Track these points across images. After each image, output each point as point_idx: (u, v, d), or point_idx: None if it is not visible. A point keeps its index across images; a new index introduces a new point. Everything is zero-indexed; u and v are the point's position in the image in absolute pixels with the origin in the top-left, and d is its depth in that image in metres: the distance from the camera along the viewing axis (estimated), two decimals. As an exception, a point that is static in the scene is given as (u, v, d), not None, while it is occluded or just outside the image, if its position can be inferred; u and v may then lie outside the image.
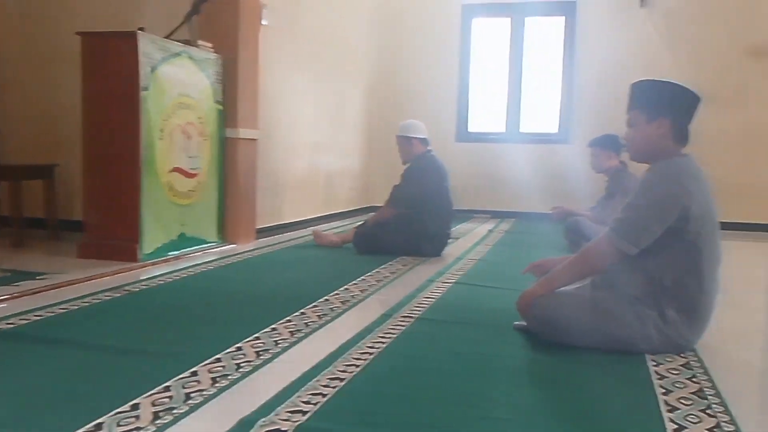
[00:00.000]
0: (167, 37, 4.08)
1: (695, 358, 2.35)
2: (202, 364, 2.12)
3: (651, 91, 2.44)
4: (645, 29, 6.92)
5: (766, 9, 6.67)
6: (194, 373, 2.03)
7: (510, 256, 4.62)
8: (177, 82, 4.10)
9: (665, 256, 2.34)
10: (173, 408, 1.76)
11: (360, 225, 4.68)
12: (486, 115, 7.66)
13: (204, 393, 1.88)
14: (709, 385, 2.08)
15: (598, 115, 6.68)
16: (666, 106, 2.39)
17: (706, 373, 2.20)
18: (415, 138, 4.55)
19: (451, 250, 4.68)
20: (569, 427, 1.77)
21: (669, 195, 2.30)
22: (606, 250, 2.39)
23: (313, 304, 3.00)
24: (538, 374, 2.24)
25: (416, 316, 2.84)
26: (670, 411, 1.86)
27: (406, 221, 4.43)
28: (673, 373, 2.19)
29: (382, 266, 4.01)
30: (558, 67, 7.35)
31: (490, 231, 6.05)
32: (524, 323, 2.59)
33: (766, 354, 2.60)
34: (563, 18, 7.29)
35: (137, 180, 3.80)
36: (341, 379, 2.02)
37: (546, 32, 7.43)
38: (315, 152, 6.30)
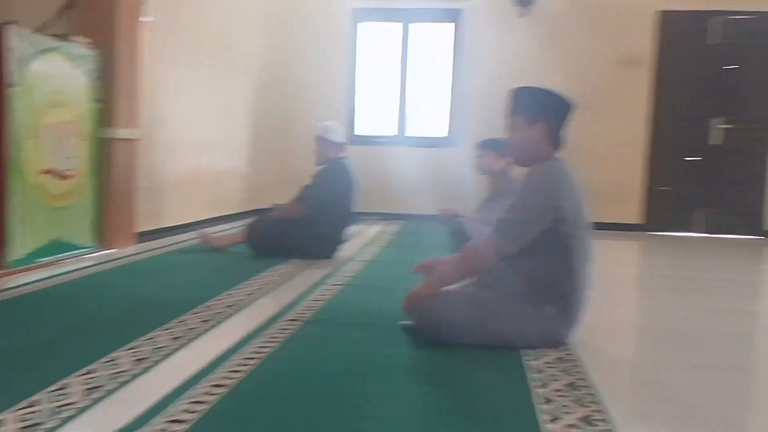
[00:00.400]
0: (39, 31, 3.83)
1: (569, 352, 2.47)
2: (73, 375, 2.00)
3: (530, 98, 2.56)
4: (527, 38, 7.23)
5: (636, 23, 7.13)
6: (64, 386, 1.91)
7: (399, 257, 4.68)
8: (50, 79, 3.86)
9: (541, 256, 2.45)
10: (40, 424, 1.65)
11: (255, 221, 4.59)
12: (376, 118, 7.73)
13: (75, 406, 1.77)
14: (582, 377, 2.20)
15: (485, 119, 6.89)
16: (544, 112, 2.51)
17: (578, 366, 2.32)
18: (333, 142, 4.54)
19: (342, 252, 4.69)
20: (449, 421, 1.81)
21: (545, 197, 2.42)
22: (489, 250, 2.47)
23: (197, 309, 2.91)
24: (422, 372, 2.28)
25: (305, 318, 2.82)
26: (544, 403, 1.94)
27: (307, 222, 4.40)
28: (548, 367, 2.29)
29: (271, 269, 3.96)
30: (448, 73, 7.53)
31: (380, 233, 6.11)
32: (411, 322, 2.63)
33: (634, 346, 2.77)
34: (453, 24, 7.49)
35: (4, 182, 3.54)
36: (224, 386, 1.97)
37: (436, 38, 7.60)
38: (201, 152, 6.12)
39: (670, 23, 7.02)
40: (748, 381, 2.42)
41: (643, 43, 7.10)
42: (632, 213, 7.18)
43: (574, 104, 2.54)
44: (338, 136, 4.58)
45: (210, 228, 5.72)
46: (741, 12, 6.95)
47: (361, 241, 5.43)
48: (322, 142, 4.55)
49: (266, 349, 2.35)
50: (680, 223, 7.07)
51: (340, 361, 2.28)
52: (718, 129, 6.98)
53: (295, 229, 4.40)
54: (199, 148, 6.06)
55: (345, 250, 4.75)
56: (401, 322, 2.71)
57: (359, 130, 7.69)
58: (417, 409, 1.89)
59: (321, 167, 4.57)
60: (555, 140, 2.52)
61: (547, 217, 2.40)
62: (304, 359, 2.29)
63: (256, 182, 7.38)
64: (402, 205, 7.36)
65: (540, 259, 2.45)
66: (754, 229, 6.94)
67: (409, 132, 7.60)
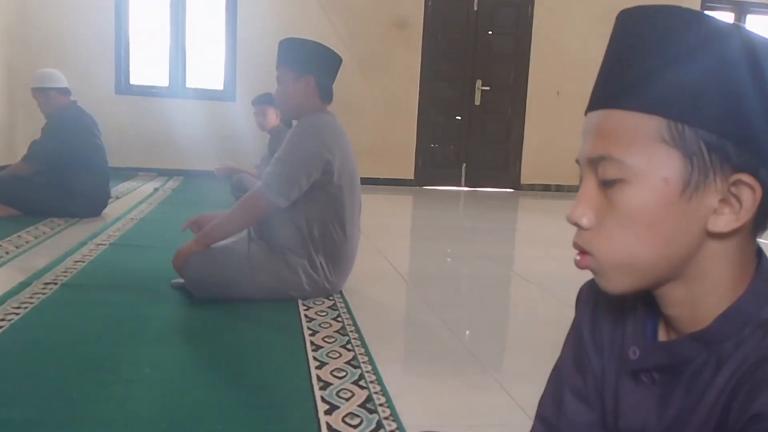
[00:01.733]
0: None
1: (341, 300, 2.57)
2: None
3: (298, 50, 2.55)
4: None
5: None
6: None
7: (174, 215, 4.47)
8: None
9: (312, 208, 2.49)
10: None
11: None
12: (150, 67, 7.24)
13: None
14: (350, 323, 2.29)
15: (262, 73, 6.76)
16: (310, 65, 2.51)
17: (348, 312, 2.41)
18: (53, 89, 4.07)
19: (110, 210, 4.37)
20: (220, 379, 1.79)
21: (314, 150, 2.44)
22: (259, 204, 2.45)
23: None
24: (193, 331, 2.22)
25: (62, 281, 2.60)
26: (314, 350, 2.00)
27: (54, 179, 3.99)
28: (320, 316, 2.36)
29: (25, 230, 3.58)
30: (221, 24, 7.24)
31: (156, 189, 5.80)
32: (182, 281, 2.54)
33: (399, 292, 2.94)
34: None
35: None
36: (-41, 360, 1.75)
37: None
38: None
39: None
40: (500, 318, 2.69)
41: (415, 5, 7.40)
42: (404, 169, 7.57)
43: (340, 58, 2.58)
44: (57, 81, 4.11)
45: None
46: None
47: (133, 199, 5.11)
48: (40, 93, 4.06)
49: (12, 317, 2.14)
50: (447, 178, 7.61)
51: (97, 327, 2.13)
52: (479, 90, 7.57)
53: (42, 188, 3.98)
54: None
55: (114, 208, 4.44)
56: (173, 281, 2.61)
57: (135, 79, 7.17)
58: (185, 369, 1.84)
59: (49, 120, 4.07)
60: (323, 93, 2.55)
61: (316, 170, 2.43)
62: (57, 326, 2.11)
63: (9, 137, 6.59)
64: (180, 160, 7.03)
65: (311, 212, 2.49)
66: (511, 183, 7.69)
67: (188, 83, 7.24)
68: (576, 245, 0.66)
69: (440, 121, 7.56)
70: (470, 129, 7.61)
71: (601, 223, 0.63)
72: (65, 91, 4.11)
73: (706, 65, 0.58)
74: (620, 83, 0.62)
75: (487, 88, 7.53)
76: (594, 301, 0.76)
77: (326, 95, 2.56)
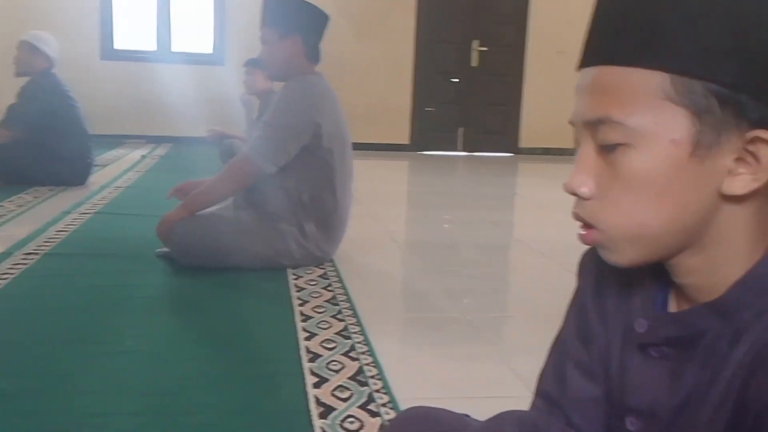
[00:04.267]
0: None
1: (332, 268, 2.47)
2: None
3: (283, 8, 2.42)
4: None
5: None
6: None
7: (162, 183, 4.35)
8: None
9: (302, 174, 2.38)
10: None
11: None
12: (135, 31, 7.04)
13: None
14: (342, 292, 2.21)
15: (253, 36, 6.57)
16: (297, 24, 2.39)
17: (340, 281, 2.32)
18: (44, 53, 3.93)
19: (97, 178, 4.25)
20: (206, 351, 1.72)
21: (303, 113, 2.33)
22: (246, 170, 2.35)
23: None
24: (180, 301, 2.15)
25: (44, 251, 2.50)
26: (303, 321, 1.92)
27: (35, 145, 3.85)
28: (310, 285, 2.27)
29: (7, 199, 3.47)
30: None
31: (144, 156, 5.67)
32: (167, 249, 2.45)
33: (394, 259, 2.85)
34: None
35: None
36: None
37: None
38: None
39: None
40: (500, 286, 2.61)
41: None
42: (400, 134, 7.42)
43: (328, 16, 2.46)
44: (53, 49, 3.98)
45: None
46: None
47: (120, 167, 4.99)
48: (31, 48, 3.89)
49: (-9, 288, 2.05)
50: (444, 143, 7.48)
51: (80, 297, 2.05)
52: (476, 51, 7.39)
53: (23, 156, 3.84)
54: None
55: (101, 176, 4.33)
56: (158, 250, 2.51)
57: (119, 44, 6.98)
58: (173, 339, 1.77)
59: (27, 82, 3.92)
60: (311, 54, 2.42)
61: (305, 134, 2.32)
62: (40, 296, 2.04)
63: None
64: (169, 126, 6.88)
65: (301, 177, 2.39)
66: (509, 147, 7.55)
67: (176, 47, 7.06)
68: (577, 217, 0.59)
69: (436, 84, 7.39)
70: (467, 91, 7.44)
71: (605, 192, 0.57)
72: (51, 61, 3.97)
73: (717, 9, 0.52)
74: (618, 36, 0.55)
75: (485, 48, 7.34)
76: (597, 270, 0.70)
77: (314, 55, 2.43)
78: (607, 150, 0.56)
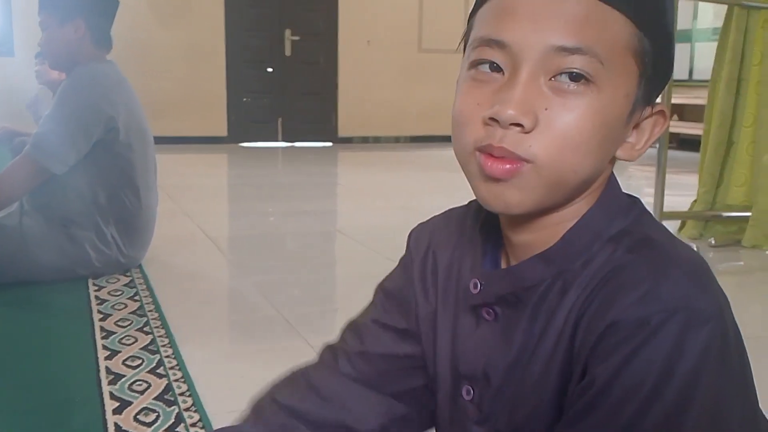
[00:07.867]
0: None
1: (140, 275, 2.27)
2: None
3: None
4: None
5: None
6: None
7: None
8: None
9: (97, 172, 2.15)
10: None
11: None
12: None
13: None
14: (150, 300, 2.02)
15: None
16: (78, 7, 2.15)
17: (148, 288, 2.14)
18: None
19: None
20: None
21: (92, 104, 2.10)
22: (28, 171, 2.08)
23: None
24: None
25: None
26: (104, 338, 1.73)
27: None
28: (114, 295, 2.06)
29: None
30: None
31: None
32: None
33: (209, 258, 2.69)
34: None
35: None
36: None
37: None
38: None
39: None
40: (320, 277, 2.54)
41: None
42: (216, 126, 7.13)
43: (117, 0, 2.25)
44: None
45: None
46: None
47: None
48: None
49: None
50: (263, 133, 7.31)
51: None
52: (289, 40, 7.27)
53: None
54: None
55: None
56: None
57: None
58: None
59: None
60: (97, 39, 2.18)
61: (96, 127, 2.09)
62: None
63: None
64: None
65: (96, 176, 2.16)
66: (329, 136, 7.54)
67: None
68: (503, 150, 0.52)
69: (251, 73, 7.18)
70: (283, 81, 7.31)
71: (546, 127, 0.52)
72: None
73: None
74: None
75: (297, 37, 7.26)
76: (427, 242, 0.70)
77: (102, 41, 2.20)
78: (561, 83, 0.52)
